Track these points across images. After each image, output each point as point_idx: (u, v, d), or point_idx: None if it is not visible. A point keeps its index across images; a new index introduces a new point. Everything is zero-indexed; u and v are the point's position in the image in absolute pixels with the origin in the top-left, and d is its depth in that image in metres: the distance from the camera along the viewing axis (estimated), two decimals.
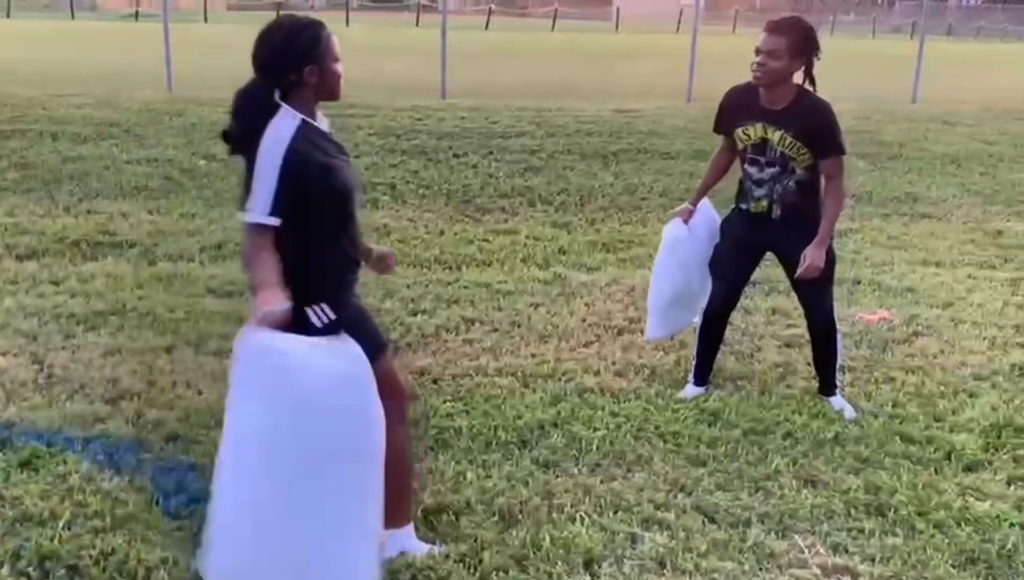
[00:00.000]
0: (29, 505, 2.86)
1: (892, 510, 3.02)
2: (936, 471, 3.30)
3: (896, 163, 9.37)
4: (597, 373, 4.10)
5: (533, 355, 4.29)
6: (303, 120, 2.42)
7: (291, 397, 2.12)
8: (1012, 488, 3.20)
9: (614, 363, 4.22)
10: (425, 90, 12.51)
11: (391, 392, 2.57)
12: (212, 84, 12.53)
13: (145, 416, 3.52)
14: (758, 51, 3.46)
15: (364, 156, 8.64)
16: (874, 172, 8.87)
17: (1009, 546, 2.84)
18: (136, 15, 36.74)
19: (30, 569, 2.58)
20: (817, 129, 3.50)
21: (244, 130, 2.39)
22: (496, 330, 4.60)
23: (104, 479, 3.04)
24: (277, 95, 2.42)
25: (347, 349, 2.23)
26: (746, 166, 3.69)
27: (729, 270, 3.79)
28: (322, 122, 2.54)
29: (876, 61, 22.93)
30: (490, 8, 38.06)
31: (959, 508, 3.04)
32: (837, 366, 3.85)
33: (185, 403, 3.63)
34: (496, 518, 2.92)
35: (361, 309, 2.67)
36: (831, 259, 3.69)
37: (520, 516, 2.93)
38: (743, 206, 3.74)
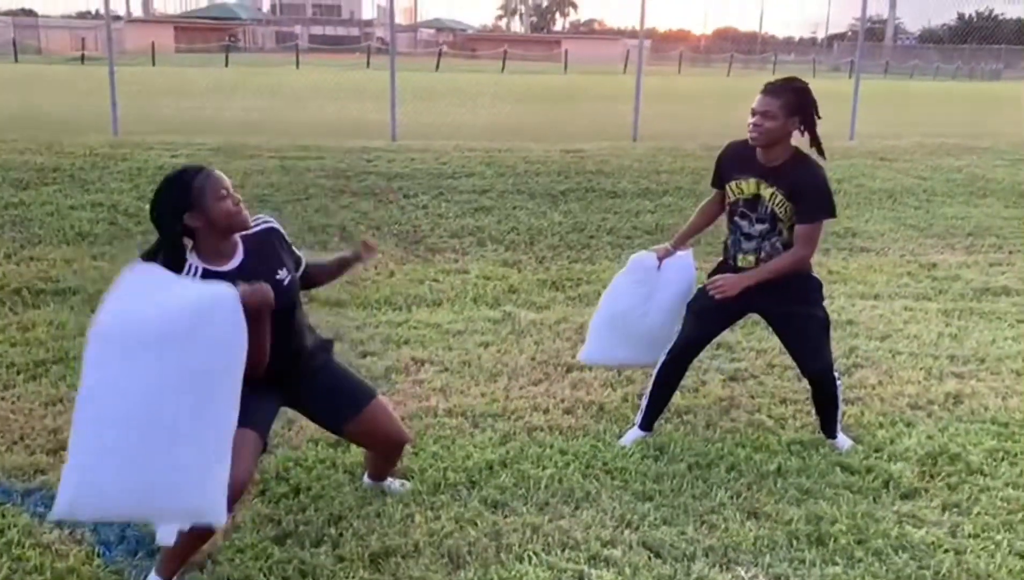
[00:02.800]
0: None
1: (832, 539, 3.09)
2: (875, 500, 3.39)
3: (835, 198, 9.63)
4: (546, 411, 4.14)
5: (483, 394, 4.32)
6: (203, 269, 2.64)
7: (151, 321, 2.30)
8: (947, 515, 3.29)
9: (563, 401, 4.26)
10: (375, 131, 12.58)
11: (375, 442, 3.10)
12: (159, 127, 12.49)
13: None
14: (754, 112, 3.47)
15: (313, 198, 8.65)
16: None
17: (944, 572, 2.92)
18: (82, 58, 36.43)
19: None
20: (806, 191, 3.49)
21: None
22: (446, 370, 4.62)
23: (44, 532, 2.99)
24: (188, 245, 2.64)
25: (213, 285, 2.44)
26: (736, 219, 3.66)
27: (708, 315, 3.74)
28: (234, 258, 2.71)
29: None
30: (440, 50, 38.45)
31: (896, 536, 3.12)
32: (839, 417, 3.84)
33: None
34: (444, 560, 2.92)
35: (338, 371, 3.06)
36: (826, 317, 3.70)
37: (468, 558, 2.94)
38: (730, 262, 3.72)
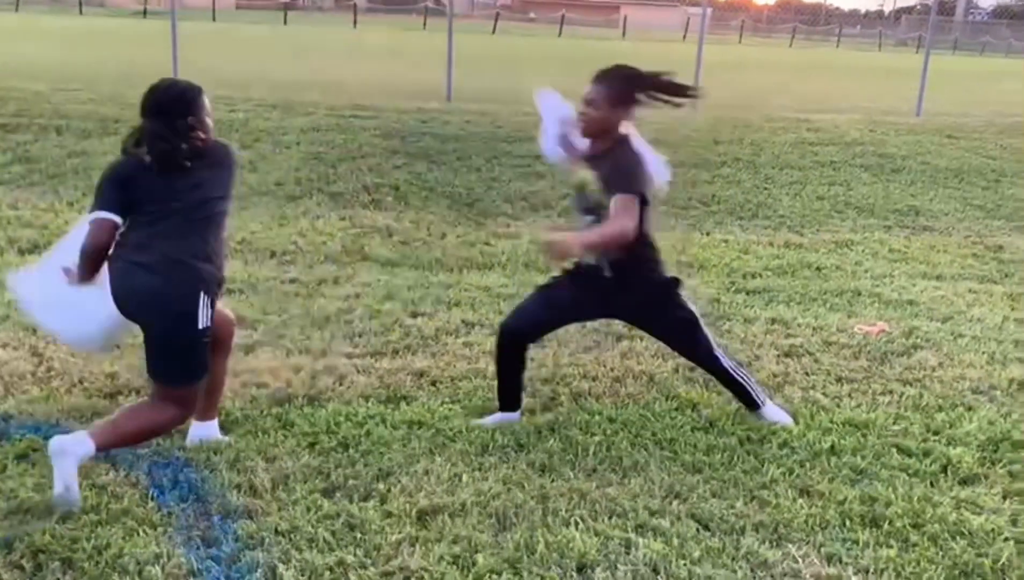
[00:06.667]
0: (24, 497, 2.87)
1: (887, 522, 3.01)
2: (932, 484, 3.30)
3: (899, 176, 9.38)
4: (595, 378, 4.11)
5: (532, 359, 4.27)
6: None
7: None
8: (1008, 502, 3.19)
9: (612, 369, 4.22)
10: (431, 93, 12.55)
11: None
12: (218, 82, 12.60)
13: None
14: (583, 100, 3.35)
15: (368, 157, 8.66)
16: (876, 184, 8.88)
17: (1003, 560, 2.83)
18: (144, 12, 36.87)
19: (23, 561, 2.58)
20: (614, 170, 3.31)
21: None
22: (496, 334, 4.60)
23: (100, 473, 3.05)
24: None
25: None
26: (576, 211, 3.55)
27: (555, 306, 3.60)
28: None
29: (881, 74, 22.92)
30: (497, 13, 38.15)
31: (954, 521, 3.03)
32: (750, 390, 3.68)
33: None
34: (491, 520, 2.92)
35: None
36: (691, 312, 3.55)
37: (515, 519, 2.93)
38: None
